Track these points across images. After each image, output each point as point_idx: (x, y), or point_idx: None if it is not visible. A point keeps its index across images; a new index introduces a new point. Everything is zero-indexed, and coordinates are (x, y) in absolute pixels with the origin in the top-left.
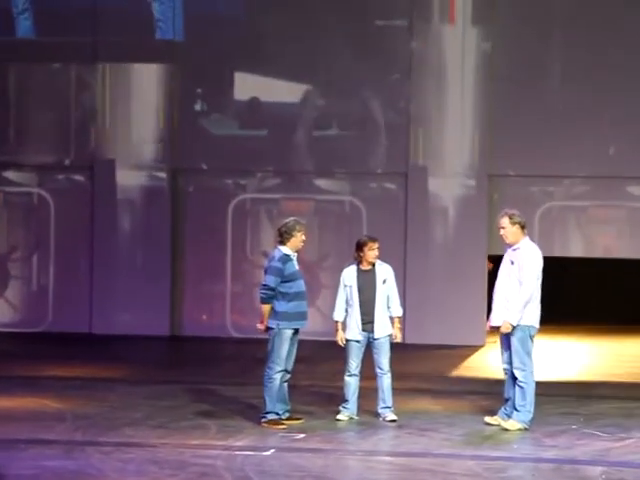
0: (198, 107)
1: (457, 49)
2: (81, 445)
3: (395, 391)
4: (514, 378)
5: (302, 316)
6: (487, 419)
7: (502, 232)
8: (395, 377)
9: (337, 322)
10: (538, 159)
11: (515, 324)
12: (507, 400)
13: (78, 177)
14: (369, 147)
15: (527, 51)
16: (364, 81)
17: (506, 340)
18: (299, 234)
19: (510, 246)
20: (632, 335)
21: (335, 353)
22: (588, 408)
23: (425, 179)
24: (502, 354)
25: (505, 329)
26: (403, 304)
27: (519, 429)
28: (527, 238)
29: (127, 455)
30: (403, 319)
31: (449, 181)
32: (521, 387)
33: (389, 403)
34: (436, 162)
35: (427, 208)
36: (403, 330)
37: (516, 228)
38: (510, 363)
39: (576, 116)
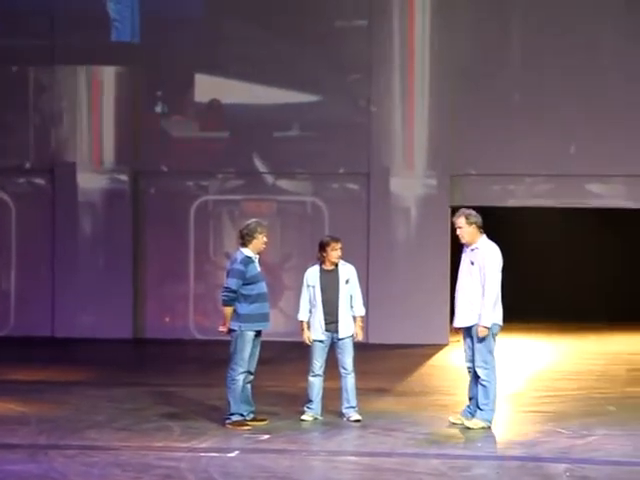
0: (158, 109)
1: (417, 48)
2: (45, 449)
3: (359, 391)
4: (477, 376)
5: (264, 318)
6: (451, 418)
7: (458, 232)
8: (359, 377)
9: (302, 322)
10: (499, 158)
11: (489, 325)
12: (471, 399)
13: (39, 180)
14: (330, 147)
15: (487, 49)
16: (325, 81)
17: (469, 339)
18: (261, 236)
19: (468, 246)
20: (594, 333)
21: (299, 354)
22: (550, 406)
23: (387, 179)
24: (465, 352)
25: (482, 333)
26: (366, 304)
27: (482, 427)
28: (484, 237)
29: (91, 458)
30: (366, 318)
31: (411, 181)
32: (484, 385)
33: (353, 403)
34: (398, 162)
35: (389, 208)
36: (366, 329)
37: (472, 228)
38: (473, 361)
39: (538, 114)
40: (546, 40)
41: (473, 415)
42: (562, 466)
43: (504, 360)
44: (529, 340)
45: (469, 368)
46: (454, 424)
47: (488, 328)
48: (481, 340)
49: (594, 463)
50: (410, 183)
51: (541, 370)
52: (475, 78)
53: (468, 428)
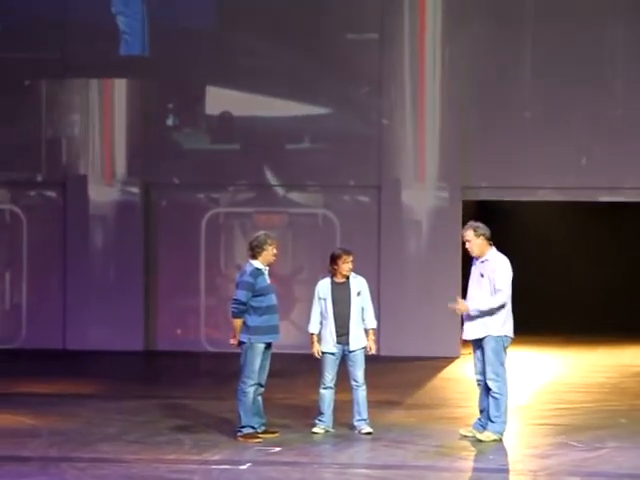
0: (170, 121)
1: (428, 61)
2: (56, 461)
3: (370, 403)
4: (488, 389)
5: (274, 330)
6: (462, 431)
7: (467, 245)
8: (370, 390)
9: (313, 334)
10: (511, 170)
11: (474, 314)
12: (482, 411)
13: (50, 193)
14: (342, 160)
15: (499, 62)
16: (336, 94)
17: (480, 351)
18: (270, 248)
19: (477, 258)
20: (604, 345)
21: (310, 366)
22: (561, 418)
23: (398, 191)
24: (475, 365)
25: (460, 310)
26: (377, 316)
27: (494, 440)
28: (494, 249)
29: (102, 471)
30: (377, 331)
31: (422, 193)
32: (495, 398)
33: (364, 415)
34: (409, 174)
35: (400, 220)
36: (378, 342)
37: (481, 240)
38: (483, 374)
39: (548, 127)
40: (558, 55)
41: (484, 428)
42: (574, 479)
43: (514, 372)
44: (538, 352)
45: (479, 381)
46: (465, 436)
47: (468, 310)
48: (491, 352)
49: (606, 476)
50: (421, 195)
51: (551, 383)
52: (486, 90)
53: (480, 441)
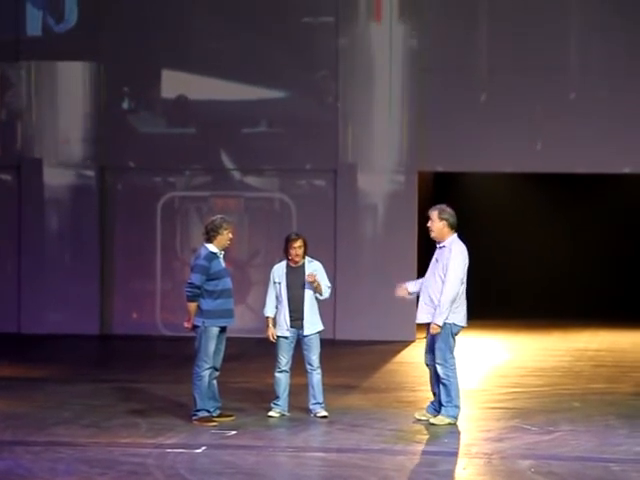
0: (125, 105)
1: (384, 45)
2: (10, 445)
3: (326, 387)
4: (437, 374)
5: (228, 314)
6: (417, 414)
7: (429, 224)
8: (326, 373)
9: (268, 318)
10: (466, 155)
11: (441, 324)
12: (435, 394)
13: (5, 176)
14: (298, 144)
15: (454, 45)
16: (292, 78)
17: (430, 335)
18: (226, 232)
19: (437, 242)
20: (557, 329)
21: (266, 350)
22: (516, 402)
23: (354, 175)
24: (426, 350)
25: (434, 331)
26: (333, 300)
27: (448, 424)
28: (455, 236)
29: (57, 455)
30: (333, 315)
31: (378, 177)
32: (444, 384)
33: (320, 399)
34: (365, 159)
35: (357, 204)
36: (333, 326)
37: (442, 224)
38: (433, 358)
39: (506, 111)
40: (514, 38)
41: (438, 411)
42: (527, 462)
43: (469, 357)
44: (494, 337)
45: (428, 365)
46: (419, 420)
47: (440, 327)
48: (439, 338)
49: (559, 459)
50: (377, 180)
51: (505, 367)
52: (443, 75)
53: (434, 424)
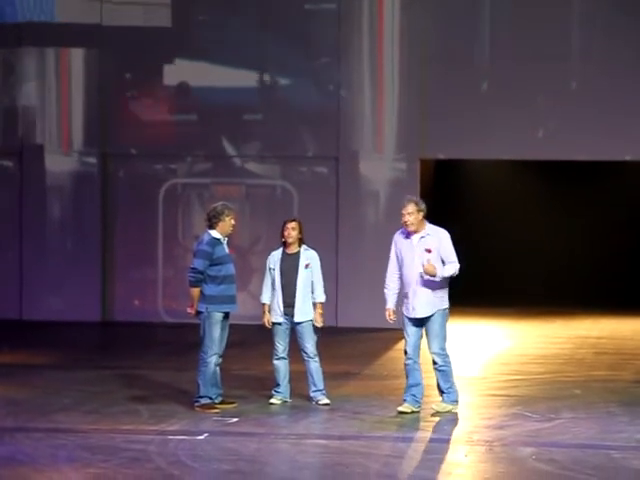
0: (127, 92)
1: (387, 32)
2: (11, 431)
3: (327, 374)
4: (433, 364)
5: (231, 299)
6: (434, 406)
7: (407, 218)
8: (327, 360)
9: (264, 305)
10: (468, 142)
11: (439, 274)
12: (413, 386)
13: (7, 163)
14: (299, 131)
15: (457, 33)
16: (294, 65)
17: (421, 328)
18: (228, 218)
19: (412, 234)
20: (559, 317)
21: (267, 337)
22: (517, 389)
23: (356, 163)
24: (412, 344)
25: (429, 269)
26: (335, 287)
27: (449, 411)
28: (429, 224)
29: (58, 441)
30: (335, 302)
31: (380, 164)
32: (442, 371)
33: (320, 386)
34: (367, 145)
35: (358, 191)
36: (335, 313)
37: (421, 215)
38: (417, 350)
39: (507, 99)
40: (516, 26)
41: (418, 402)
42: (529, 449)
43: (470, 345)
44: (494, 324)
45: (411, 360)
46: (438, 412)
47: (435, 275)
48: (439, 327)
49: (560, 446)
50: (379, 166)
51: (506, 354)
52: (445, 62)
53: (436, 412)
